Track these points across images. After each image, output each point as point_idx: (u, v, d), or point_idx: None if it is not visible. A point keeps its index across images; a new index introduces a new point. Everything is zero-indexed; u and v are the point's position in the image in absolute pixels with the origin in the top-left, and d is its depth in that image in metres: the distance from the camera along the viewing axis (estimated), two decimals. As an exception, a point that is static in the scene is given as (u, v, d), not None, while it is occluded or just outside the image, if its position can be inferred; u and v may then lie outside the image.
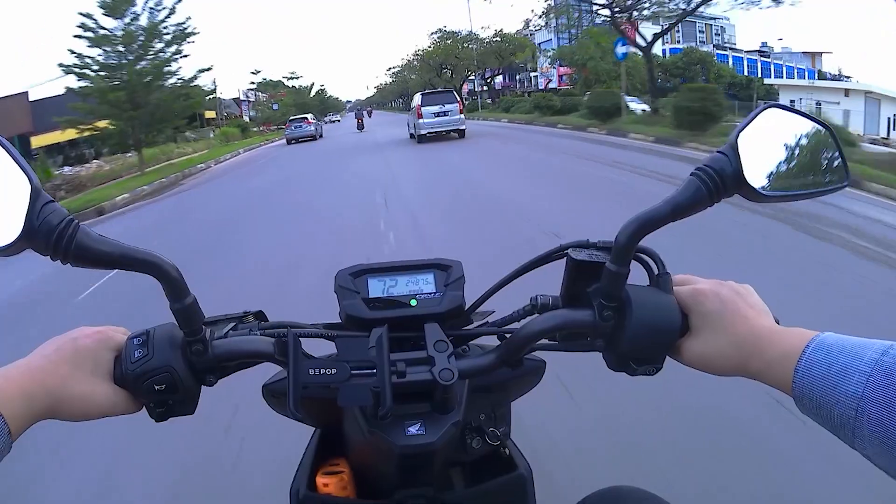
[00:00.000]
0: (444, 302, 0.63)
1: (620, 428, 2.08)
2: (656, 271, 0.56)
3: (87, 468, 2.10)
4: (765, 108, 0.52)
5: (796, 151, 0.53)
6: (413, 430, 0.55)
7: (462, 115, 16.59)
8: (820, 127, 0.53)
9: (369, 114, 69.05)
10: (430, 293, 0.64)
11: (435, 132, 16.35)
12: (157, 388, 0.51)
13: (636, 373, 0.56)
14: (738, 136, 0.50)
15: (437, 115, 16.25)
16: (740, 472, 1.82)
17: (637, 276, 0.56)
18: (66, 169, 15.97)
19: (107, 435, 2.22)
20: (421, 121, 16.16)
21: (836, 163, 0.53)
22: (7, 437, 0.43)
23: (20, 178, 0.44)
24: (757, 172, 0.50)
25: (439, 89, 21.06)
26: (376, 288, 0.64)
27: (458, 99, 17.11)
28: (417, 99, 17.22)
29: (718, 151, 0.50)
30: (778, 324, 0.51)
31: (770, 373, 0.47)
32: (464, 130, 16.64)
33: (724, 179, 0.49)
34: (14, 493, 1.98)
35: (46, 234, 0.44)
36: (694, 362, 0.53)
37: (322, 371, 0.50)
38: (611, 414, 2.16)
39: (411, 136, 18.32)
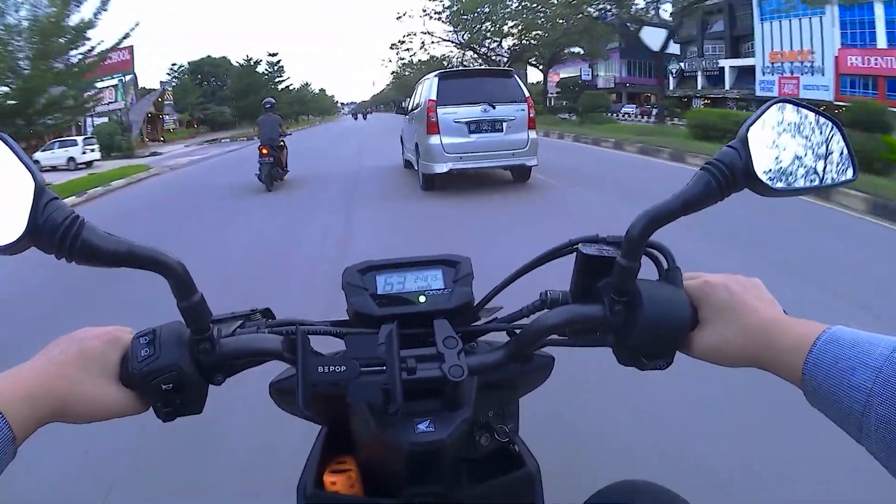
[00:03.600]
0: (453, 298, 0.63)
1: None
2: (666, 266, 0.56)
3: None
4: (774, 103, 0.52)
5: (805, 145, 0.52)
6: (422, 427, 0.54)
7: (533, 133, 7.44)
8: (828, 121, 0.53)
9: (364, 116, 52.56)
10: (439, 289, 0.64)
11: (468, 168, 7.37)
12: (164, 387, 0.51)
13: (646, 367, 0.55)
14: (748, 130, 0.50)
15: (476, 126, 7.24)
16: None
17: (646, 271, 0.56)
18: None
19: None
20: (434, 140, 7.14)
21: (843, 156, 0.53)
22: (11, 443, 0.42)
23: (24, 176, 0.43)
24: (766, 166, 0.50)
25: (480, 67, 10.08)
26: (384, 284, 0.64)
27: (526, 92, 7.66)
28: (429, 87, 7.59)
29: (728, 146, 0.50)
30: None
31: (780, 363, 0.46)
32: (530, 170, 7.74)
33: (734, 173, 0.49)
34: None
35: (51, 231, 0.43)
36: (705, 354, 0.53)
37: (331, 368, 0.50)
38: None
39: (406, 162, 9.66)
